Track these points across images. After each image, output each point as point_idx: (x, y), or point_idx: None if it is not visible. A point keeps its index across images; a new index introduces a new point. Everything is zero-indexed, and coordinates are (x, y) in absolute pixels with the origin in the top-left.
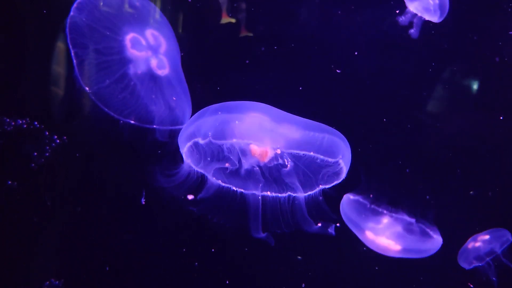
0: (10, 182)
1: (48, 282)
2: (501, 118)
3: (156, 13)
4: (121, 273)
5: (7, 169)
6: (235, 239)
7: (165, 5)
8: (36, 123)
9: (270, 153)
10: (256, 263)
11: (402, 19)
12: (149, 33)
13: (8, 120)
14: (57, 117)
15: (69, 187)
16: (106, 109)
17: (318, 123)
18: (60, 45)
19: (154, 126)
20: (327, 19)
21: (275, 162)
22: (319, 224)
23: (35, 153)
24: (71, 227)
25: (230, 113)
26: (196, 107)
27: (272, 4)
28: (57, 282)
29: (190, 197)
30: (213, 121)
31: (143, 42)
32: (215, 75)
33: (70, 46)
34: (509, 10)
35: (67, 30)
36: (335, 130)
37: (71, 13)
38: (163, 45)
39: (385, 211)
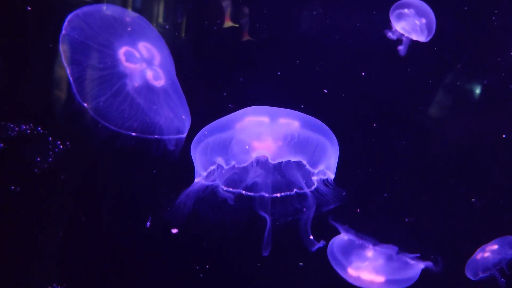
0: (13, 187)
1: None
2: (503, 136)
3: (148, 26)
4: (123, 280)
5: (10, 174)
6: (236, 245)
7: (167, 10)
8: (39, 128)
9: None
10: (259, 270)
11: (390, 35)
12: (142, 45)
13: (11, 125)
14: (61, 122)
15: (72, 192)
16: (106, 124)
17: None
18: (63, 47)
19: (156, 136)
20: (329, 24)
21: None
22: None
23: (38, 159)
24: (73, 233)
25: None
26: (199, 111)
27: (274, 10)
28: (58, 287)
29: (174, 231)
30: (223, 148)
31: (137, 55)
32: (217, 79)
33: (65, 64)
34: (494, 18)
35: (60, 47)
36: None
37: (63, 31)
38: (157, 57)
39: (368, 245)
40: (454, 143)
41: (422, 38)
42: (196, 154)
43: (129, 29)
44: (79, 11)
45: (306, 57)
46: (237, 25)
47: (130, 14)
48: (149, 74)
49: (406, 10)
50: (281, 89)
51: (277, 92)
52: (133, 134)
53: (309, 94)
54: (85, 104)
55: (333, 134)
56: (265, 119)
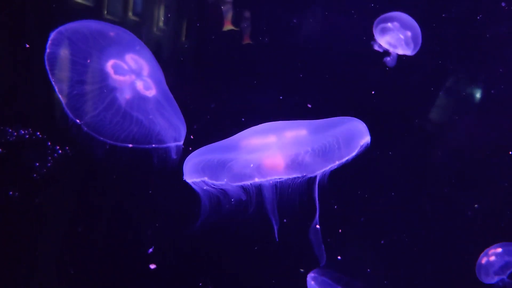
0: (11, 192)
1: None
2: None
3: (133, 38)
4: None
5: (8, 179)
6: (238, 251)
7: (167, 14)
8: (38, 133)
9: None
10: (260, 277)
11: (377, 48)
12: (129, 57)
13: (10, 130)
14: (60, 127)
15: (72, 198)
16: (102, 138)
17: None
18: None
19: (153, 146)
20: (330, 29)
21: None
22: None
23: (37, 164)
24: (72, 238)
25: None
26: (198, 113)
27: (274, 13)
28: None
29: (153, 266)
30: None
31: (125, 67)
32: (217, 83)
33: (52, 82)
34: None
35: (47, 66)
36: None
37: (48, 50)
38: (146, 68)
39: None
40: (455, 150)
41: (408, 51)
42: (192, 173)
43: (112, 37)
44: (62, 28)
45: (307, 61)
46: (237, 29)
47: (114, 28)
48: (140, 85)
49: (389, 24)
50: (281, 93)
51: (277, 96)
52: (130, 145)
53: (308, 99)
54: (78, 121)
55: (346, 117)
56: (272, 139)
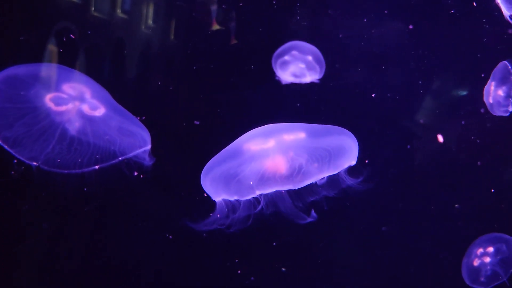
0: None
1: None
2: None
3: (64, 68)
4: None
5: None
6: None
7: (156, 12)
8: None
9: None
10: (240, 275)
11: (284, 83)
12: (66, 86)
13: None
14: None
15: (51, 195)
16: (65, 171)
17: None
18: (50, 48)
19: (120, 158)
20: (320, 28)
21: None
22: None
23: (15, 161)
24: (54, 239)
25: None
26: (186, 111)
27: (262, 13)
28: None
29: None
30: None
31: (65, 96)
32: (205, 81)
33: None
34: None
35: None
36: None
37: None
38: (87, 91)
39: None
40: (437, 152)
41: (315, 75)
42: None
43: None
44: None
45: None
46: (223, 28)
47: (42, 67)
48: (86, 108)
49: (287, 57)
50: (269, 92)
51: (265, 95)
52: (96, 167)
53: (297, 98)
54: (34, 163)
55: (344, 129)
56: (270, 143)
